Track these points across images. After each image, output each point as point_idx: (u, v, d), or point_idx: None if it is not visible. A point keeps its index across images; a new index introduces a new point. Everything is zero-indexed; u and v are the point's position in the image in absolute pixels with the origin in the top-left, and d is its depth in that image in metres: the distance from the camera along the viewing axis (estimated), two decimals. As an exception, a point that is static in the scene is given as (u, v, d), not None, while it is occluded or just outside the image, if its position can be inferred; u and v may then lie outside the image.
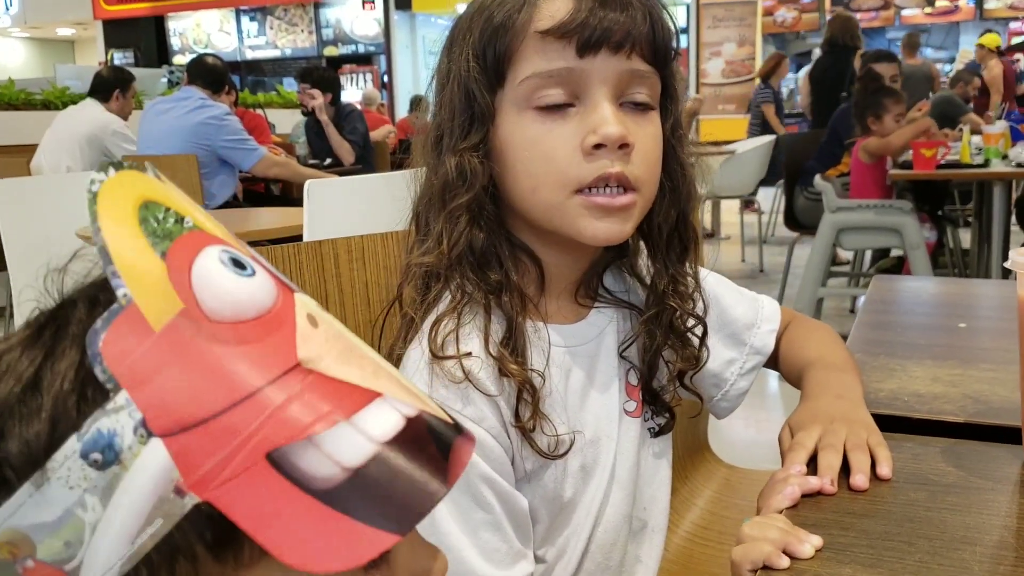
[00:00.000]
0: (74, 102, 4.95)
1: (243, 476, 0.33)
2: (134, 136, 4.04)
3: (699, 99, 6.99)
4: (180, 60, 11.90)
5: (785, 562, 0.56)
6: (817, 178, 3.80)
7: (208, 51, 11.79)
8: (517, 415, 0.72)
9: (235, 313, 0.36)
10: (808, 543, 0.57)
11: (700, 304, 0.82)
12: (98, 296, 0.36)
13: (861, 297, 3.92)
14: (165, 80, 8.25)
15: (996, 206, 3.43)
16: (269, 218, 2.94)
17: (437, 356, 0.70)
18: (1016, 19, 10.39)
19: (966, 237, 4.23)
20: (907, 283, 1.74)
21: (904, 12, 10.83)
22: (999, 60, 7.00)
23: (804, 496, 0.64)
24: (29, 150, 4.25)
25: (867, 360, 0.95)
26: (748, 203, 5.78)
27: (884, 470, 0.67)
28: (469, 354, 0.71)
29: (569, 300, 0.80)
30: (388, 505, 0.35)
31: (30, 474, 0.34)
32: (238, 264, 0.37)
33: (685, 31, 10.57)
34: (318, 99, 4.51)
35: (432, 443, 0.37)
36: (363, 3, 12.06)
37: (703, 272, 0.85)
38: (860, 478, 0.65)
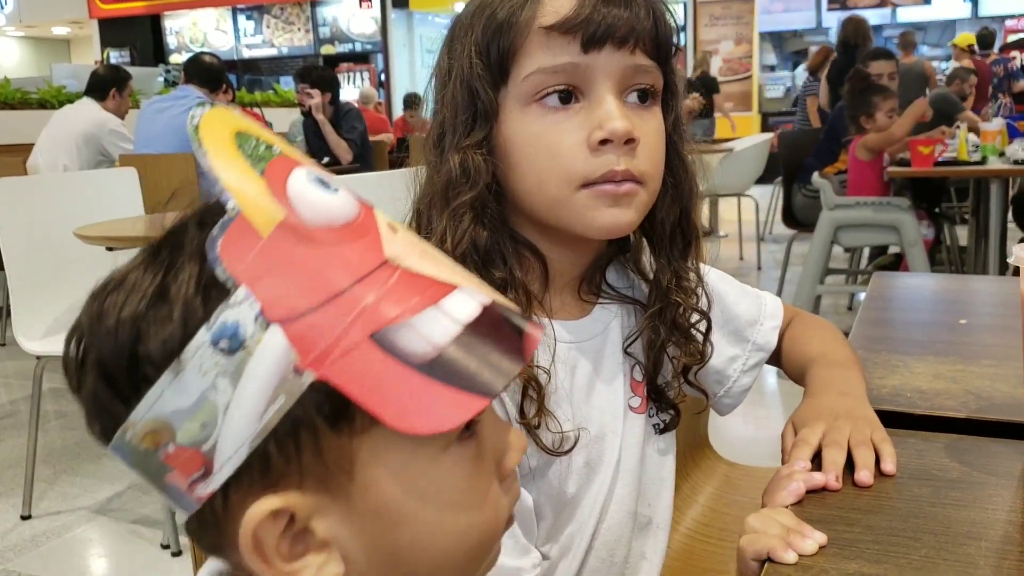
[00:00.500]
0: (70, 101, 4.93)
1: (352, 354, 0.38)
2: (131, 135, 4.03)
3: (697, 98, 6.98)
4: (176, 59, 11.86)
5: (792, 557, 0.56)
6: (815, 175, 3.80)
7: (205, 50, 11.75)
8: (522, 412, 0.72)
9: (328, 220, 0.41)
10: (811, 539, 0.57)
11: (704, 299, 0.81)
12: (204, 219, 0.41)
13: (859, 294, 3.94)
14: (162, 79, 8.25)
15: (993, 203, 3.44)
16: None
17: None
18: (1012, 16, 10.42)
19: (963, 234, 4.24)
20: (907, 280, 1.74)
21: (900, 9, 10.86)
22: (972, 59, 7.01)
23: (809, 492, 0.64)
24: (25, 149, 4.24)
25: (869, 356, 0.95)
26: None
27: (888, 466, 0.67)
28: None
29: (573, 296, 0.80)
30: (476, 376, 0.40)
31: (168, 366, 0.38)
32: (323, 183, 0.42)
33: (683, 29, 10.56)
34: (316, 98, 4.51)
35: (506, 325, 0.43)
36: (360, 1, 12.04)
37: (705, 269, 0.85)
38: (864, 474, 0.66)
